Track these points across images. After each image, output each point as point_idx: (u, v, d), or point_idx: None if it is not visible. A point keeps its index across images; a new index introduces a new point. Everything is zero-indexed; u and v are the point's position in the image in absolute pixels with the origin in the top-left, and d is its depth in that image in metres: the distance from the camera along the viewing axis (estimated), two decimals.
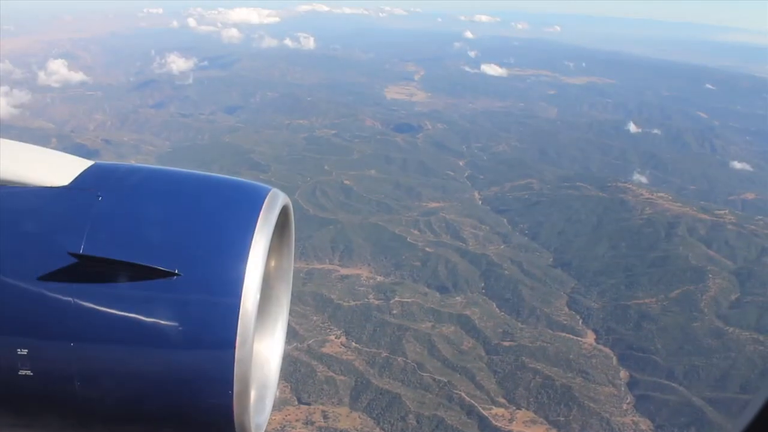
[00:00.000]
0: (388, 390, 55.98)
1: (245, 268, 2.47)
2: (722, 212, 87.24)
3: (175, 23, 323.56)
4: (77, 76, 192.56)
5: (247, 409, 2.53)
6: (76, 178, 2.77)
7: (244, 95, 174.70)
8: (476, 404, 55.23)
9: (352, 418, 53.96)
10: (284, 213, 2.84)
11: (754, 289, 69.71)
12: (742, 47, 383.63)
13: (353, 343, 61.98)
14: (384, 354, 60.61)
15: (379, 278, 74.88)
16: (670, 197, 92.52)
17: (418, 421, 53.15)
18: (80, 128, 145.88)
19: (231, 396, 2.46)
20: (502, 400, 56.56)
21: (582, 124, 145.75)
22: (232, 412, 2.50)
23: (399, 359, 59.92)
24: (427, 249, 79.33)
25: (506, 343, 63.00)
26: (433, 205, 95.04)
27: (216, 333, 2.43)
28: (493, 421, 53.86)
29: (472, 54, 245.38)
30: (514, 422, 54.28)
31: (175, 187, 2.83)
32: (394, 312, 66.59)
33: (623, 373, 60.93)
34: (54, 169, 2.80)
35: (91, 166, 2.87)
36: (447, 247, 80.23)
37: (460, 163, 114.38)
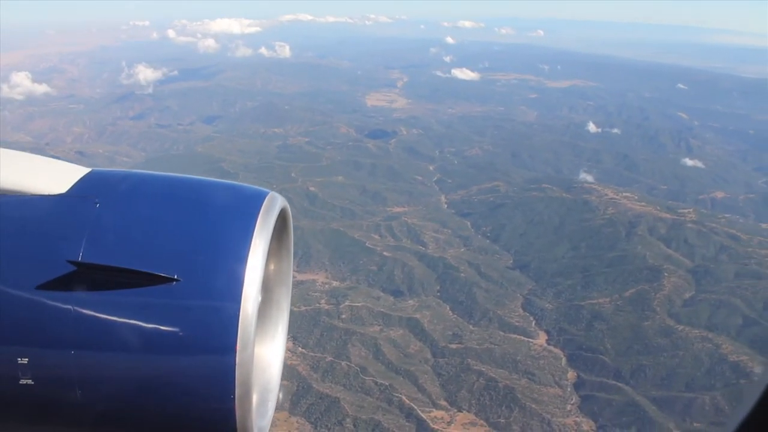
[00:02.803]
0: (329, 394, 55.41)
1: (245, 272, 2.45)
2: (686, 211, 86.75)
3: (155, 35, 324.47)
4: (60, 90, 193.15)
5: (250, 413, 2.50)
6: (74, 186, 2.76)
7: (224, 105, 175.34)
8: (416, 407, 54.61)
9: (290, 423, 53.35)
10: (282, 216, 2.82)
11: (708, 287, 69.17)
12: (727, 48, 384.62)
13: (299, 348, 61.38)
14: (329, 358, 60.09)
15: (335, 283, 74.38)
16: (636, 197, 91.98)
17: (355, 425, 52.55)
18: (58, 141, 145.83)
19: (233, 400, 2.44)
20: (444, 403, 55.98)
21: (559, 127, 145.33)
22: (235, 416, 2.47)
23: (343, 363, 59.37)
24: (385, 253, 78.84)
25: (454, 346, 62.41)
26: (398, 209, 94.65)
27: (217, 337, 2.41)
28: (432, 424, 53.24)
29: (447, 59, 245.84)
30: (453, 425, 53.66)
31: (172, 192, 2.80)
32: (343, 316, 66.05)
33: (571, 374, 60.29)
34: (51, 177, 2.78)
35: (89, 173, 2.85)
36: (406, 252, 79.74)
37: (430, 168, 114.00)
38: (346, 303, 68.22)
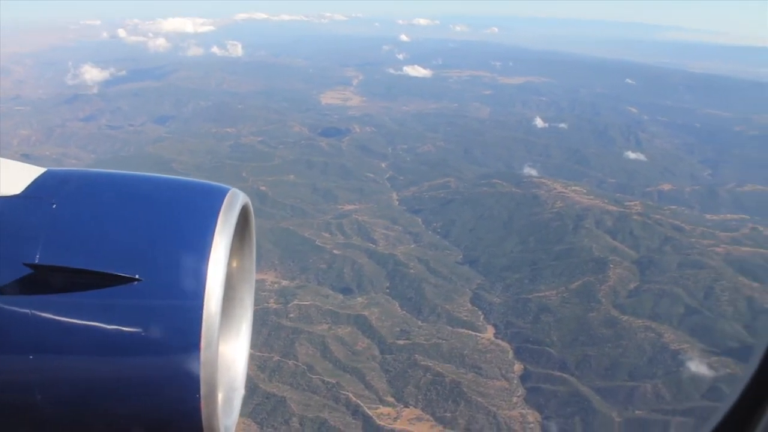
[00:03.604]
0: (275, 394, 55.05)
1: (207, 270, 2.41)
2: (632, 203, 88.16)
3: (105, 34, 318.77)
4: (5, 92, 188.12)
5: (215, 412, 2.44)
6: (29, 187, 2.66)
7: (177, 105, 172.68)
8: (362, 404, 54.62)
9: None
10: (244, 213, 2.74)
11: (652, 278, 70.43)
12: (677, 45, 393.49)
13: None
14: (276, 358, 59.66)
15: (284, 282, 73.89)
16: (584, 191, 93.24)
17: (301, 424, 52.36)
18: (3, 144, 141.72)
19: (198, 399, 2.39)
20: (390, 399, 56.03)
21: (511, 123, 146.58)
22: (200, 415, 2.42)
23: (290, 362, 59.04)
24: (335, 251, 78.66)
25: (401, 342, 62.47)
26: (349, 207, 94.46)
27: (180, 337, 2.37)
28: (377, 420, 53.29)
29: (400, 56, 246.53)
30: (399, 420, 53.81)
31: (131, 190, 2.71)
32: (291, 315, 65.67)
33: (517, 367, 60.83)
34: (4, 177, 2.66)
35: (44, 174, 2.75)
36: (356, 249, 79.62)
37: (383, 165, 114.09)
38: (295, 302, 67.86)
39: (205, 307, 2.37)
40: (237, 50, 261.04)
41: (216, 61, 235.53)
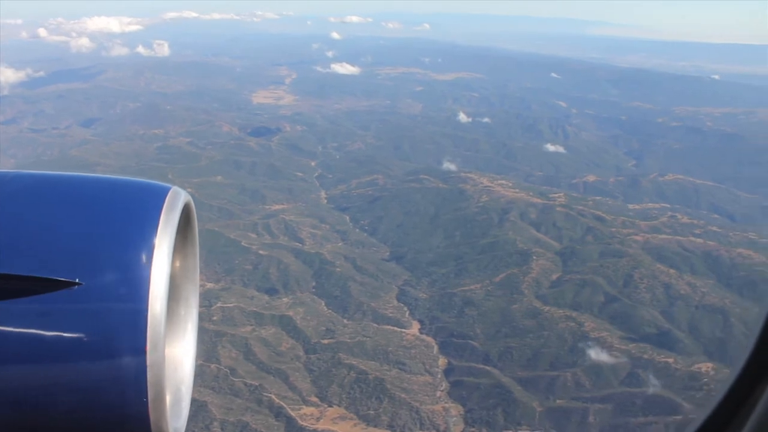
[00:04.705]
0: (196, 399, 53.46)
1: (150, 271, 2.32)
2: (556, 195, 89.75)
3: (24, 34, 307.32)
4: None
5: (164, 415, 2.37)
6: None
7: (104, 107, 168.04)
8: (285, 405, 54.03)
9: None
10: (186, 211, 2.63)
11: (574, 268, 71.84)
12: (606, 40, 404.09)
13: None
14: (197, 362, 58.15)
15: (209, 285, 72.48)
16: (510, 184, 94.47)
17: (222, 428, 51.51)
18: None
19: (146, 403, 2.32)
20: (314, 399, 55.60)
21: (441, 119, 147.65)
22: (149, 419, 2.34)
23: (212, 366, 57.93)
24: (261, 252, 77.68)
25: (326, 341, 62.10)
26: (277, 207, 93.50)
27: (125, 340, 2.27)
28: (300, 421, 52.81)
29: (329, 54, 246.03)
30: (322, 420, 53.42)
31: (69, 191, 2.55)
32: (214, 318, 64.51)
33: (442, 361, 61.13)
34: None
35: None
36: (282, 249, 78.83)
37: (312, 164, 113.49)
38: (218, 304, 66.75)
39: (149, 308, 2.26)
40: (164, 50, 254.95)
41: (145, 62, 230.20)
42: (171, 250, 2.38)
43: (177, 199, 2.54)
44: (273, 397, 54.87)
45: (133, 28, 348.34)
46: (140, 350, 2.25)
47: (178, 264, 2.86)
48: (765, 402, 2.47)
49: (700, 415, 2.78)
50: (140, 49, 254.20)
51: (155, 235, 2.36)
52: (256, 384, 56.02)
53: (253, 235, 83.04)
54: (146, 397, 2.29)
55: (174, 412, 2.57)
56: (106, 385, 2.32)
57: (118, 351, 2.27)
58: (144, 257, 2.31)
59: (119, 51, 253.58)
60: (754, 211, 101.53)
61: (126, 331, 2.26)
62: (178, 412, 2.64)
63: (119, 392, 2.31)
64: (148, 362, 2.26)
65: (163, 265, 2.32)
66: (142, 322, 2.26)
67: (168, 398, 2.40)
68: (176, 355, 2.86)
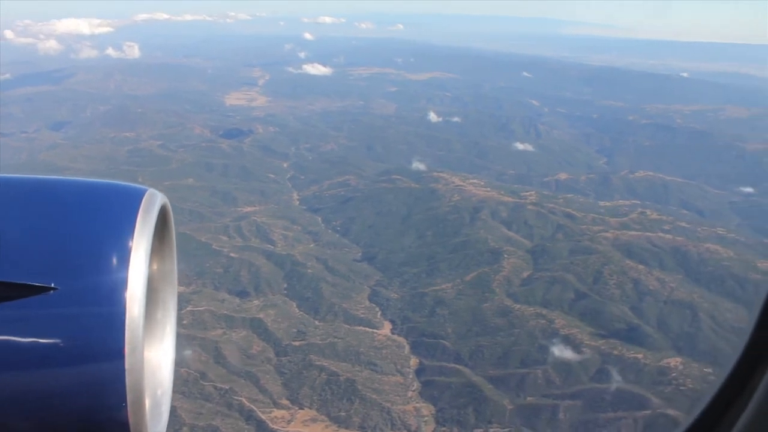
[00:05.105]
0: None
1: (128, 274, 2.29)
2: (528, 194, 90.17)
3: None
4: None
5: (143, 419, 2.36)
6: None
7: (74, 110, 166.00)
8: (256, 409, 53.79)
9: None
10: (163, 214, 2.61)
11: (545, 266, 72.20)
12: (579, 39, 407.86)
13: None
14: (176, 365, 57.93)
15: (180, 288, 67.99)
16: (482, 183, 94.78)
17: None
18: None
19: (125, 407, 2.30)
20: (285, 402, 55.37)
21: (414, 119, 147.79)
22: (128, 423, 2.33)
23: (182, 371, 57.24)
24: (232, 255, 77.22)
25: (297, 343, 61.89)
26: (248, 209, 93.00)
27: (103, 345, 2.25)
28: (271, 424, 52.62)
29: (302, 55, 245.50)
30: (293, 423, 53.27)
31: (41, 195, 2.51)
32: (184, 322, 63.82)
33: (413, 361, 61.13)
34: None
35: None
36: (253, 251, 78.42)
37: (285, 165, 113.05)
38: (188, 308, 66.08)
39: (127, 311, 2.23)
40: (134, 52, 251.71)
41: (116, 64, 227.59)
42: (148, 252, 2.35)
43: (153, 201, 2.51)
44: (243, 400, 54.55)
45: (103, 29, 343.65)
46: (118, 354, 2.23)
47: (155, 266, 2.81)
48: (765, 385, 2.48)
49: (701, 402, 2.78)
50: (110, 51, 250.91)
51: (132, 238, 2.33)
52: (227, 387, 55.65)
53: (225, 238, 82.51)
54: (125, 402, 2.26)
55: (153, 416, 2.53)
56: (85, 390, 2.29)
57: (96, 355, 2.25)
58: (121, 260, 2.28)
59: (88, 53, 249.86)
60: (722, 206, 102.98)
61: (103, 335, 2.24)
62: (157, 416, 2.61)
63: (98, 397, 2.28)
64: (127, 366, 2.23)
65: (140, 268, 2.29)
66: (120, 326, 2.23)
67: (147, 402, 2.37)
68: (155, 359, 2.81)
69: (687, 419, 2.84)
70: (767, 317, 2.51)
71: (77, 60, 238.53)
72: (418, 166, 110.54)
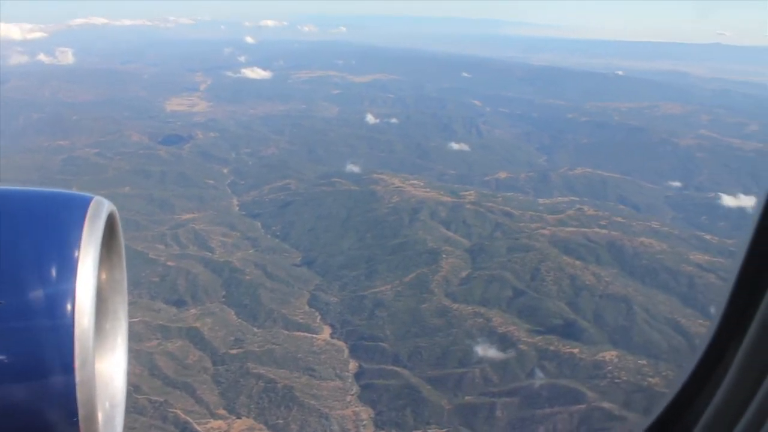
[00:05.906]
0: None
1: (75, 286, 2.18)
2: (467, 193, 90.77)
3: None
4: None
5: None
6: None
7: (6, 118, 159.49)
8: (192, 420, 52.87)
9: None
10: (110, 222, 2.51)
11: (483, 264, 72.69)
12: (523, 40, 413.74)
13: None
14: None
15: None
16: (422, 184, 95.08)
17: None
18: None
19: (77, 423, 2.22)
20: (222, 412, 54.55)
21: (356, 121, 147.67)
22: None
23: None
24: (169, 263, 75.87)
25: (234, 351, 61.10)
26: (187, 216, 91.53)
27: (52, 359, 2.16)
28: None
29: (242, 59, 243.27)
30: None
31: None
32: None
33: (352, 365, 60.94)
34: None
35: None
36: (191, 259, 77.19)
37: (224, 171, 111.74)
38: None
39: (76, 324, 2.14)
40: (67, 57, 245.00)
41: (52, 71, 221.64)
42: (96, 262, 2.23)
43: (100, 209, 2.38)
44: (179, 412, 53.55)
45: (36, 35, 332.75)
46: (68, 368, 2.13)
47: (104, 276, 2.66)
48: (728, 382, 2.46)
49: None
50: (42, 57, 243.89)
51: (79, 248, 2.20)
52: (161, 400, 54.57)
53: (161, 246, 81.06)
54: (77, 417, 2.16)
55: (107, 429, 2.44)
56: (34, 406, 2.19)
57: (45, 370, 2.15)
58: (68, 271, 2.17)
59: (18, 59, 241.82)
60: (657, 200, 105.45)
61: (52, 349, 2.15)
62: (111, 429, 2.49)
63: (48, 413, 2.18)
64: (77, 380, 2.14)
65: (88, 279, 2.18)
66: (69, 339, 2.14)
67: (100, 416, 2.26)
68: (107, 371, 2.65)
69: (646, 419, 2.83)
70: (731, 315, 2.48)
71: (7, 67, 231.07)
72: (358, 168, 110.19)
